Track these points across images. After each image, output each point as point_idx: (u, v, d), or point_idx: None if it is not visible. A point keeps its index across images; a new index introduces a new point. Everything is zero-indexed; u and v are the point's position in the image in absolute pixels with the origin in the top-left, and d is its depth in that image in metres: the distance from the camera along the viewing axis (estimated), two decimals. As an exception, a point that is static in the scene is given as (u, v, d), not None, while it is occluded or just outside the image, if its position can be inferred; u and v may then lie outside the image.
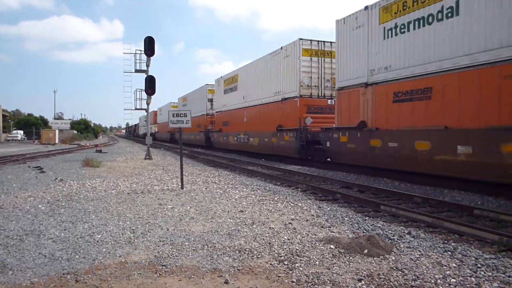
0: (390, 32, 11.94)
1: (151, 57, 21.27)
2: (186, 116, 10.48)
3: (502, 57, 8.51)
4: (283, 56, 19.10)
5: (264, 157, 21.82)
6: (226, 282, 4.05)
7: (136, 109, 25.06)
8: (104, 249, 5.13)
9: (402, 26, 11.47)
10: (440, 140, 10.03)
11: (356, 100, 13.36)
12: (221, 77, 28.87)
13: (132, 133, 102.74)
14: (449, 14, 9.91)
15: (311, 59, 17.64)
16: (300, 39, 17.63)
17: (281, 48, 19.32)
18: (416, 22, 10.99)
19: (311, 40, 17.70)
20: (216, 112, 30.13)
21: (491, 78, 8.81)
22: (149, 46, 20.64)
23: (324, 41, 17.94)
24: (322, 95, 17.76)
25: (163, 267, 4.49)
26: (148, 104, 22.30)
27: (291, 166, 17.19)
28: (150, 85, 21.01)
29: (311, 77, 17.60)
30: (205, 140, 32.37)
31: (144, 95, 22.68)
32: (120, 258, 4.79)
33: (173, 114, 10.51)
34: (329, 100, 17.57)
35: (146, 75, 21.23)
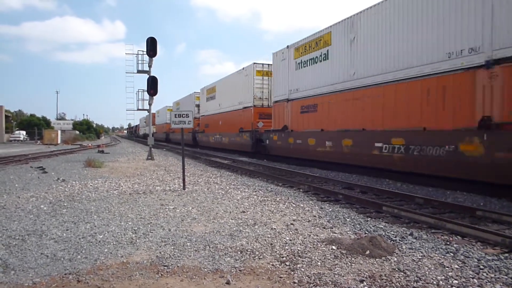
0: (298, 65, 17.90)
1: (153, 58, 21.33)
2: (188, 116, 10.48)
3: (349, 87, 14.24)
4: (244, 75, 25.03)
5: (230, 151, 27.64)
6: (228, 283, 4.05)
7: (138, 109, 25.11)
8: (106, 250, 5.14)
9: (304, 62, 17.42)
10: (319, 138, 15.95)
11: (282, 111, 19.57)
12: (204, 87, 34.45)
13: (133, 134, 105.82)
14: (324, 58, 15.93)
15: (262, 78, 23.71)
16: (254, 63, 23.71)
17: (243, 68, 25.24)
18: (310, 61, 16.95)
19: (262, 64, 23.82)
20: (201, 115, 35.39)
21: (344, 100, 14.56)
22: (151, 46, 20.69)
23: (270, 64, 23.26)
24: (271, 105, 22.29)
25: (165, 267, 4.50)
26: (150, 104, 22.33)
27: (244, 157, 23.39)
28: (152, 86, 21.05)
29: (262, 92, 23.64)
30: (192, 139, 37.38)
31: (146, 96, 22.73)
32: (122, 259, 4.80)
33: (175, 114, 10.51)
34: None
35: (148, 76, 21.27)
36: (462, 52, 9.87)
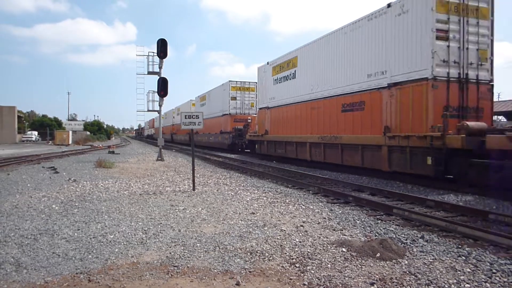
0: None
1: (164, 59, 21.44)
2: (198, 117, 10.51)
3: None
4: (222, 90, 32.71)
5: (215, 149, 34.20)
6: (238, 284, 4.05)
7: (148, 110, 25.20)
8: (116, 249, 5.18)
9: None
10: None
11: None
12: (198, 96, 42.38)
13: (140, 135, 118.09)
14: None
15: (236, 92, 31.40)
16: (230, 80, 31.31)
17: (222, 84, 32.70)
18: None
19: (236, 81, 31.44)
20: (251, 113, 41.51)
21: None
22: (162, 48, 20.80)
23: (245, 81, 31.72)
24: (244, 113, 31.52)
25: (175, 268, 4.51)
26: (160, 106, 22.44)
27: (226, 153, 28.63)
28: (163, 87, 21.16)
29: (236, 103, 31.32)
30: (189, 139, 41.99)
31: (157, 97, 22.82)
32: (132, 259, 4.83)
33: (185, 116, 10.54)
34: (248, 117, 31.15)
35: (158, 77, 21.39)
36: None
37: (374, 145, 13.37)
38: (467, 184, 10.32)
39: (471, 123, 10.38)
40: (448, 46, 11.18)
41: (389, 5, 12.75)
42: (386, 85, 12.80)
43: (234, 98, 30.85)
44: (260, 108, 24.54)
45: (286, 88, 20.47)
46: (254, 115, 29.84)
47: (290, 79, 20.11)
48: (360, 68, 14.27)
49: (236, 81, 31.01)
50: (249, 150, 27.81)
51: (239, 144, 29.32)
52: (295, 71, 19.56)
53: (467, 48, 11.41)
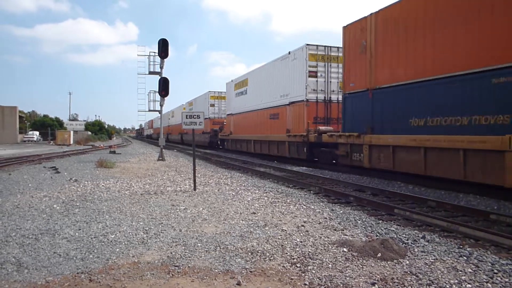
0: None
1: (165, 59, 21.46)
2: (199, 117, 10.51)
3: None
4: (204, 98, 38.95)
5: (196, 146, 37.94)
6: (239, 284, 4.05)
7: (149, 110, 25.24)
8: (117, 249, 5.18)
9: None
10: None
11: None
12: (187, 102, 48.11)
13: (140, 135, 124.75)
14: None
15: (214, 100, 37.39)
16: (209, 91, 37.53)
17: (204, 93, 39.11)
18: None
19: (214, 91, 37.48)
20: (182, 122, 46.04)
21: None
22: (163, 48, 20.83)
23: (221, 91, 36.33)
24: (220, 117, 36.66)
25: (176, 267, 4.51)
26: (161, 105, 22.47)
27: (207, 149, 35.32)
28: (164, 87, 21.18)
29: (214, 109, 37.17)
30: (180, 139, 49.62)
31: (158, 97, 22.85)
32: (133, 258, 4.83)
33: (186, 115, 10.55)
34: (224, 120, 34.00)
35: (159, 77, 21.40)
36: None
37: (283, 141, 20.53)
38: (321, 161, 17.85)
39: (321, 127, 17.09)
40: (317, 81, 18.39)
41: (289, 53, 20.00)
42: (288, 103, 19.91)
43: (212, 105, 37.32)
44: (227, 114, 31.07)
45: (242, 101, 27.31)
46: (229, 119, 36.66)
47: (244, 94, 27.08)
48: (277, 90, 21.34)
49: (214, 91, 37.83)
50: (222, 147, 34.45)
51: (215, 142, 35.82)
52: (246, 88, 26.53)
53: (330, 82, 18.56)
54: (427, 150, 10.49)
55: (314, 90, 18.10)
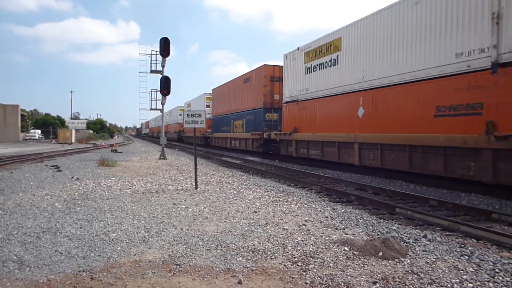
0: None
1: (166, 58, 21.46)
2: (201, 116, 10.50)
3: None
4: (200, 99, 40.40)
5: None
6: (240, 283, 4.05)
7: (151, 109, 25.27)
8: (119, 248, 5.19)
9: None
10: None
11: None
12: (185, 103, 48.56)
13: (139, 134, 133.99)
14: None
15: (210, 102, 37.32)
16: (205, 93, 38.67)
17: (200, 95, 40.81)
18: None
19: (210, 93, 37.58)
20: (178, 122, 51.64)
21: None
22: (165, 47, 20.82)
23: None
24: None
25: (177, 266, 4.52)
26: (163, 104, 22.47)
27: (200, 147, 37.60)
28: (165, 86, 21.17)
29: (210, 109, 36.94)
30: (177, 137, 52.26)
31: (159, 96, 22.87)
32: (134, 257, 4.84)
33: (187, 114, 10.55)
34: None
35: (161, 76, 21.41)
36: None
37: (245, 138, 25.80)
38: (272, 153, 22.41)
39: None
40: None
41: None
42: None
43: (208, 106, 38.19)
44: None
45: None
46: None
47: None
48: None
49: (210, 93, 38.81)
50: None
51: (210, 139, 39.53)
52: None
53: None
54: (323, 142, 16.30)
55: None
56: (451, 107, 10.05)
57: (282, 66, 20.57)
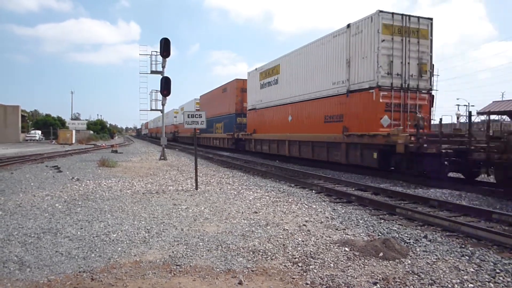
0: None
1: (167, 59, 21.46)
2: (201, 117, 10.51)
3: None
4: (191, 104, 43.32)
5: (187, 144, 45.65)
6: (240, 283, 4.05)
7: (151, 110, 25.28)
8: (119, 248, 5.18)
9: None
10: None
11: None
12: (179, 107, 52.30)
13: (139, 134, 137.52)
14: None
15: (199, 107, 40.06)
16: (195, 98, 42.80)
17: (191, 100, 44.77)
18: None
19: (198, 99, 42.02)
20: (173, 124, 57.36)
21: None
22: (165, 47, 20.83)
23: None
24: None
25: (178, 267, 4.52)
26: (163, 105, 22.48)
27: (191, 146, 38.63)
28: (166, 86, 21.19)
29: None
30: (173, 138, 54.88)
31: (160, 96, 22.88)
32: (135, 257, 4.83)
33: (188, 115, 10.56)
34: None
35: (161, 76, 21.41)
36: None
37: (223, 138, 31.82)
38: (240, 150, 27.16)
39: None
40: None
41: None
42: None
43: (197, 110, 44.37)
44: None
45: (208, 109, 33.42)
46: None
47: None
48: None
49: (199, 99, 42.44)
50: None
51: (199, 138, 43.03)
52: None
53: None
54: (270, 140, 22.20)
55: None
56: (331, 116, 16.14)
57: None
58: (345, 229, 6.32)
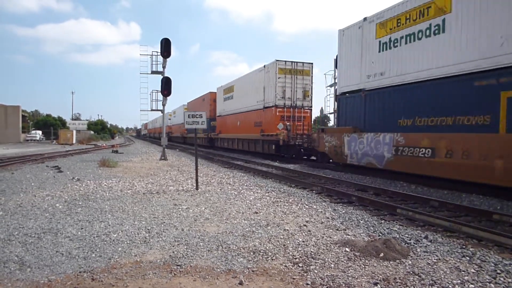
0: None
1: (167, 59, 21.47)
2: (202, 117, 10.51)
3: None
4: (181, 108, 47.93)
5: (178, 143, 51.08)
6: (241, 283, 4.05)
7: (152, 110, 25.29)
8: (120, 248, 5.18)
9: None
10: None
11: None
12: (172, 110, 58.39)
13: (139, 134, 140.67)
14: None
15: (184, 113, 39.70)
16: (183, 104, 48.24)
17: (182, 105, 49.12)
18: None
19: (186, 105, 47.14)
20: (168, 125, 59.82)
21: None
22: (166, 47, 20.82)
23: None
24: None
25: (178, 267, 4.51)
26: (163, 105, 22.47)
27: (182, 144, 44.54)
28: (166, 86, 21.18)
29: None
30: (168, 138, 55.76)
31: (160, 96, 22.89)
32: (135, 258, 4.83)
33: (188, 115, 10.56)
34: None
35: (162, 77, 21.41)
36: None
37: (202, 137, 37.83)
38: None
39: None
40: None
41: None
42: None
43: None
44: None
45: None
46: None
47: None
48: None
49: (189, 103, 46.96)
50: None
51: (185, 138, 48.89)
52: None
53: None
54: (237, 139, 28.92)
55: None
56: (256, 122, 24.67)
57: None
58: (345, 230, 6.31)
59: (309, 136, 20.02)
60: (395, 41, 13.01)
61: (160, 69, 22.15)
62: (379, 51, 13.76)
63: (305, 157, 22.07)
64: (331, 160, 17.64)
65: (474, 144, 9.70)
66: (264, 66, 23.75)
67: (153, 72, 22.76)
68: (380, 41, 13.76)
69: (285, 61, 22.39)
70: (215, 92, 36.01)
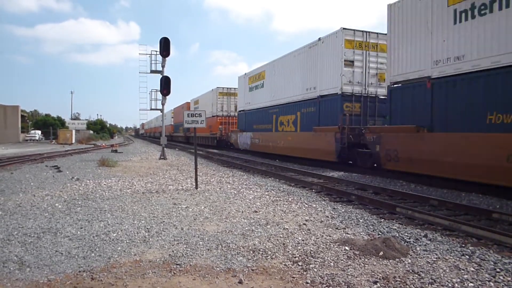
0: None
1: (166, 58, 21.44)
2: (201, 116, 10.50)
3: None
4: (169, 112, 58.02)
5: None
6: (240, 282, 4.04)
7: (151, 109, 25.24)
8: (119, 248, 5.18)
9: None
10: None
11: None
12: (170, 110, 61.99)
13: (137, 134, 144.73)
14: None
15: (173, 116, 58.01)
16: (171, 109, 59.72)
17: (170, 110, 59.87)
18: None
19: (174, 108, 57.19)
20: (166, 125, 61.57)
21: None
22: (165, 47, 20.80)
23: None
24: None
25: (178, 266, 4.51)
26: (163, 104, 22.45)
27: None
28: (165, 86, 21.15)
29: (171, 119, 60.14)
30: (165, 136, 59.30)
31: (159, 96, 22.85)
32: (135, 257, 4.83)
33: (188, 114, 10.55)
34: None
35: (161, 76, 21.39)
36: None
37: (182, 136, 50.09)
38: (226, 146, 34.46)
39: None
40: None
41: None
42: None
43: (172, 118, 53.02)
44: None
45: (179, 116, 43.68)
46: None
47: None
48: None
49: (174, 108, 54.42)
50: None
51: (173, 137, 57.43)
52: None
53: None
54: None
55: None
56: (210, 126, 34.04)
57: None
58: (345, 228, 6.32)
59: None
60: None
61: (159, 68, 22.11)
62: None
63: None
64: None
65: None
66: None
67: (152, 72, 22.71)
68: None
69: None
70: (189, 102, 43.14)
